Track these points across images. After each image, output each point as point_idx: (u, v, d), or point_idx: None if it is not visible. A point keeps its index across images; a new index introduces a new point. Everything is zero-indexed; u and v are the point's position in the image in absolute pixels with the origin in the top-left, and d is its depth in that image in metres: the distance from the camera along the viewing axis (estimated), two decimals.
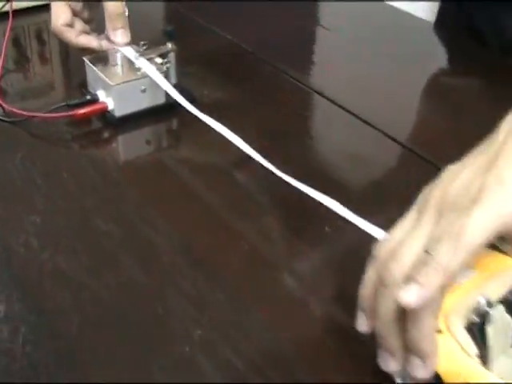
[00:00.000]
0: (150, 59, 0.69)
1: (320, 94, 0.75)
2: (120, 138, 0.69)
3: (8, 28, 0.79)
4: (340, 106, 0.72)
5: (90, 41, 0.71)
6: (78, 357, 0.44)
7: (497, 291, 0.40)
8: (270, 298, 0.49)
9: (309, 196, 0.55)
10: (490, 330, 0.37)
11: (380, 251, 0.40)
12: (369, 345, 0.41)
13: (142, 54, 0.69)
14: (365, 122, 0.69)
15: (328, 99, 0.74)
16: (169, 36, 0.69)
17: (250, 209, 0.58)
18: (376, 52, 0.85)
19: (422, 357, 0.37)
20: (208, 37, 0.87)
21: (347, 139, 0.69)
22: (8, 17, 0.79)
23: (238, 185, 0.61)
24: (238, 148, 0.61)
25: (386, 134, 0.67)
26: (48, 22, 0.75)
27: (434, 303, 0.36)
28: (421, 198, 0.41)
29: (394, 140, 0.67)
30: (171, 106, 0.69)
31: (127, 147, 0.69)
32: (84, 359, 0.44)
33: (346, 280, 0.49)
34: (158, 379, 0.43)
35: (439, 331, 0.38)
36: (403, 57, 0.83)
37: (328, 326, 0.47)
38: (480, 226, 0.36)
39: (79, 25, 0.72)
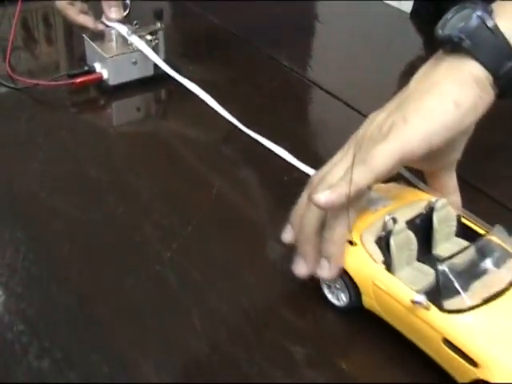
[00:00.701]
0: (140, 36, 0.78)
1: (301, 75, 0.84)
2: (113, 105, 0.78)
3: (17, 10, 0.88)
4: (319, 86, 0.81)
5: (88, 21, 0.81)
6: (67, 274, 0.54)
7: (405, 215, 0.49)
8: (232, 233, 0.58)
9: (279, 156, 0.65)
10: (393, 242, 0.46)
11: (313, 179, 0.49)
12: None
13: (133, 32, 0.78)
14: (338, 99, 0.78)
15: (309, 80, 0.83)
16: (157, 16, 0.79)
17: (225, 165, 0.67)
18: (357, 38, 0.94)
19: (329, 259, 0.47)
20: (196, 19, 0.97)
21: (321, 114, 0.78)
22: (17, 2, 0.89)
23: (218, 148, 0.70)
24: (217, 113, 0.71)
25: (346, 104, 0.77)
26: (53, 5, 0.85)
27: (343, 214, 0.46)
28: (349, 140, 0.51)
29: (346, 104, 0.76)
30: (159, 78, 0.79)
31: (119, 112, 0.79)
32: (72, 275, 0.54)
33: None
34: (133, 292, 0.52)
35: (354, 243, 0.48)
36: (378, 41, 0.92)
37: (280, 259, 0.56)
38: (384, 154, 0.45)
39: (79, 4, 0.82)
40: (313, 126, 0.78)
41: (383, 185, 0.51)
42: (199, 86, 0.75)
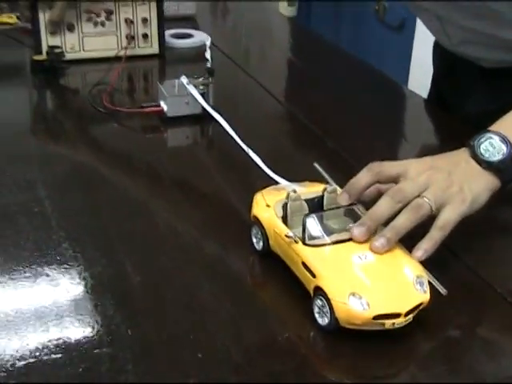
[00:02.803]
0: (195, 85, 1.09)
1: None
2: (169, 131, 1.09)
3: (121, 63, 1.24)
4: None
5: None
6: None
7: (307, 194, 0.74)
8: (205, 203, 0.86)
9: None
10: (289, 206, 0.72)
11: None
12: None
13: (190, 82, 1.10)
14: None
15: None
16: (210, 73, 1.10)
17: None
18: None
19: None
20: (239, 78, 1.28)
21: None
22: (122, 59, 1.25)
23: (237, 176, 0.98)
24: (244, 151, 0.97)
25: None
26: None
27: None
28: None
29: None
30: (205, 116, 1.09)
31: (173, 137, 1.10)
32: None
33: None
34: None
35: (268, 206, 0.74)
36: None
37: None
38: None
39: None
40: None
41: (308, 182, 0.78)
42: (231, 126, 1.03)
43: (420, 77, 1.36)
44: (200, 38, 1.46)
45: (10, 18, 1.61)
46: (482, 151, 0.76)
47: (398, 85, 1.35)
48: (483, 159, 0.76)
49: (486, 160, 0.76)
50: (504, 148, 0.77)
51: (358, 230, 0.68)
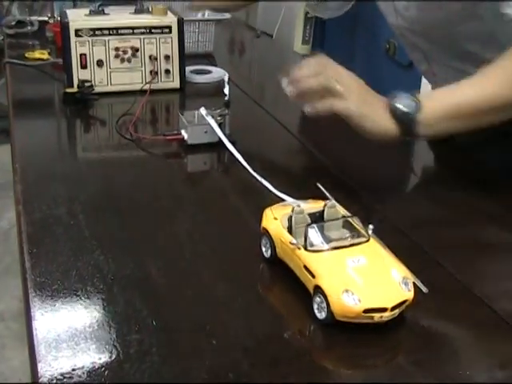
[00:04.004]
0: (213, 116, 1.21)
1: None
2: (189, 157, 1.20)
3: (146, 96, 1.36)
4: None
5: None
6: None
7: (310, 209, 0.85)
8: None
9: None
10: (293, 218, 0.82)
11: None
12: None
13: (209, 113, 1.21)
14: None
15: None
16: (226, 105, 1.22)
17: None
18: None
19: None
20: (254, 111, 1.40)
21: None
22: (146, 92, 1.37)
23: (248, 199, 1.09)
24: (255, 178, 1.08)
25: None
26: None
27: None
28: None
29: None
30: (222, 145, 1.20)
31: (192, 163, 1.21)
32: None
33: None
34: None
35: (276, 219, 0.85)
36: None
37: None
38: None
39: None
40: None
41: (311, 199, 0.89)
42: (245, 153, 1.15)
43: None
44: (218, 74, 1.59)
45: (42, 54, 1.75)
46: (398, 103, 0.97)
47: None
48: (395, 106, 0.97)
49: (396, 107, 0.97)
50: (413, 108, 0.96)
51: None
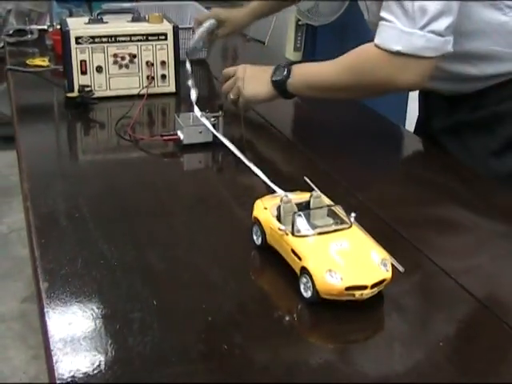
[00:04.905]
0: (207, 117, 1.28)
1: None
2: (185, 156, 1.27)
3: (143, 100, 1.43)
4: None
5: None
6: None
7: (297, 199, 0.92)
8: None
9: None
10: (282, 207, 0.89)
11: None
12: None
13: (203, 115, 1.29)
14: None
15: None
16: (220, 107, 1.29)
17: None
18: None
19: None
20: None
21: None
22: (143, 97, 1.44)
23: (244, 196, 1.16)
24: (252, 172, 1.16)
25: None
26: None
27: None
28: None
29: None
30: (216, 144, 1.27)
31: (188, 162, 1.28)
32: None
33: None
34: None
35: (266, 208, 0.92)
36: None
37: None
38: None
39: None
40: None
41: (298, 191, 0.96)
42: (241, 151, 1.21)
43: (415, 109, 1.57)
44: None
45: (42, 61, 1.82)
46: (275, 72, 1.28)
47: (395, 125, 1.52)
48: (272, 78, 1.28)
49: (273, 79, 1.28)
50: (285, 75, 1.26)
51: None
